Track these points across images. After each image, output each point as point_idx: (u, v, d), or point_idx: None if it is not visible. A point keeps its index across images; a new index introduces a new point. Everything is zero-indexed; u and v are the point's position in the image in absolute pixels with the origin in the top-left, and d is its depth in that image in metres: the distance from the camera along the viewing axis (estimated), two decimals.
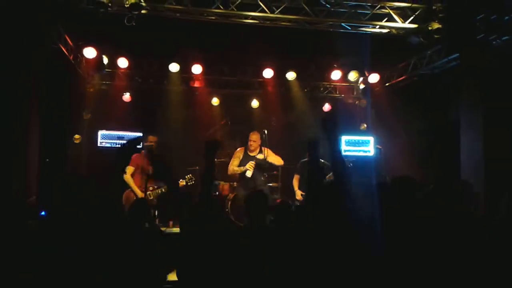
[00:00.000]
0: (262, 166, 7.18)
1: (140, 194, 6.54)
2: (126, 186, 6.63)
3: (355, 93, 10.11)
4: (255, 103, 9.91)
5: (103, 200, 3.53)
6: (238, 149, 7.46)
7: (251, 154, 7.24)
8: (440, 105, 8.24)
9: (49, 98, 7.05)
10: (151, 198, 6.58)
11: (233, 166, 7.27)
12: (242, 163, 7.19)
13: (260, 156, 7.12)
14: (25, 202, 4.93)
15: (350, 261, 3.34)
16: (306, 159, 7.57)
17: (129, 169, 6.64)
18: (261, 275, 3.32)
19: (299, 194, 7.30)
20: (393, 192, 3.62)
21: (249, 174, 7.06)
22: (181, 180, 6.97)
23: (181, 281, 3.39)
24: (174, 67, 8.85)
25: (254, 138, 7.18)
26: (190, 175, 7.05)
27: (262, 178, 7.27)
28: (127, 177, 6.58)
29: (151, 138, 6.84)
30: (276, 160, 7.30)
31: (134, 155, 6.71)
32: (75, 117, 8.49)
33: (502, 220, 3.47)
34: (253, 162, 7.05)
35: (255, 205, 3.80)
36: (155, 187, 6.75)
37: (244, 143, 7.47)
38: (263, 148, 7.23)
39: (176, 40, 8.05)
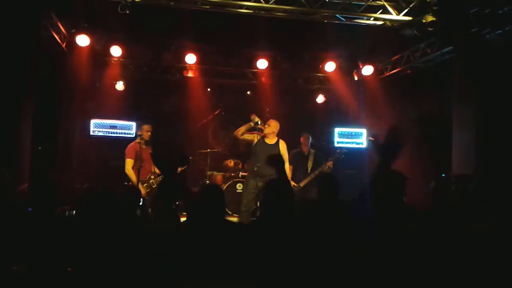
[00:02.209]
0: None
1: (143, 190, 6.38)
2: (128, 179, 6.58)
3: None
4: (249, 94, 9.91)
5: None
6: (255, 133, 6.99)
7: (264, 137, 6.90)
8: (433, 98, 8.27)
9: (42, 86, 7.00)
10: (154, 186, 6.54)
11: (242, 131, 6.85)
12: (256, 147, 6.82)
13: (255, 118, 6.74)
14: (16, 190, 4.92)
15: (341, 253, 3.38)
16: (298, 149, 7.63)
17: (129, 162, 6.57)
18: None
19: (292, 184, 7.34)
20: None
21: (255, 119, 6.72)
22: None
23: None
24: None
25: (273, 124, 6.90)
26: (254, 117, 6.76)
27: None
28: (128, 170, 6.52)
29: (146, 127, 6.76)
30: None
31: (129, 146, 6.68)
32: (67, 104, 8.43)
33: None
34: (256, 119, 6.72)
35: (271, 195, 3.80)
36: (157, 174, 6.58)
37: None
38: (280, 141, 6.95)
39: (170, 29, 8.01)
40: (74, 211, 5.34)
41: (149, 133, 6.72)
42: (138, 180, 6.43)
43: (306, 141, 7.61)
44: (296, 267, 3.31)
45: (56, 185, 7.33)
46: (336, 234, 3.46)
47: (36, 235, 3.47)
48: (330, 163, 7.26)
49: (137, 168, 6.46)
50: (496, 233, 3.20)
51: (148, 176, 6.55)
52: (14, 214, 3.66)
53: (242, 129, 6.84)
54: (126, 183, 6.58)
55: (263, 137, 6.89)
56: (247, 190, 6.79)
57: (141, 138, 6.64)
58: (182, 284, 3.30)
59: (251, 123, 6.76)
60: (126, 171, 6.55)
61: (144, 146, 6.64)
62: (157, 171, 6.54)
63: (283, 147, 6.93)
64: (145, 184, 6.49)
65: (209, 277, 3.15)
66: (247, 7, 6.47)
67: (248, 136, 6.89)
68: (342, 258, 3.35)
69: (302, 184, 7.25)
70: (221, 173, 8.76)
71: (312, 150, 7.60)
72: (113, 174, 7.42)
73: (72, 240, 3.34)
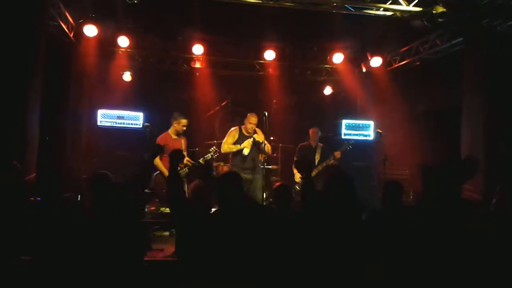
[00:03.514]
0: (259, 146, 7.00)
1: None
2: (155, 169, 6.62)
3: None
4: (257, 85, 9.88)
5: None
6: (233, 128, 7.26)
7: (247, 135, 7.08)
8: (442, 90, 8.21)
9: (49, 76, 6.99)
10: (183, 176, 6.55)
11: (228, 144, 7.06)
12: (238, 142, 7.04)
13: (258, 138, 6.95)
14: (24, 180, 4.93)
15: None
16: (305, 142, 7.61)
17: None
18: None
19: (298, 177, 7.31)
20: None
21: (246, 152, 6.93)
22: (204, 156, 6.84)
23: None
24: None
25: (253, 121, 7.02)
26: (214, 147, 6.91)
27: (260, 158, 7.17)
28: (156, 160, 6.54)
29: (184, 121, 6.79)
30: (267, 147, 7.08)
31: (160, 136, 6.73)
32: (74, 95, 8.44)
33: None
34: (251, 140, 6.92)
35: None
36: (182, 166, 6.62)
37: (240, 123, 7.40)
38: (257, 130, 7.10)
39: (178, 20, 7.98)
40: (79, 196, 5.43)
41: (185, 128, 6.80)
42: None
43: (315, 135, 7.59)
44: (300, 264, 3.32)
45: (63, 175, 7.39)
46: (339, 232, 3.46)
47: (43, 225, 3.48)
48: (337, 153, 7.24)
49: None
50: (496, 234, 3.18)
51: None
52: (22, 204, 3.68)
53: (231, 150, 7.04)
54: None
55: (241, 130, 7.11)
56: None
57: (175, 129, 6.73)
58: (182, 284, 3.31)
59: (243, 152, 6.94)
60: (154, 161, 6.55)
61: (175, 137, 6.78)
62: (185, 162, 6.66)
63: (260, 135, 7.07)
64: None
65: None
66: None
67: (233, 148, 7.05)
68: (343, 258, 3.35)
69: None
70: (228, 164, 8.75)
71: (320, 144, 7.58)
72: (120, 164, 7.45)
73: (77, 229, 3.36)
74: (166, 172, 6.48)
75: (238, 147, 6.97)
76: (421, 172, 3.52)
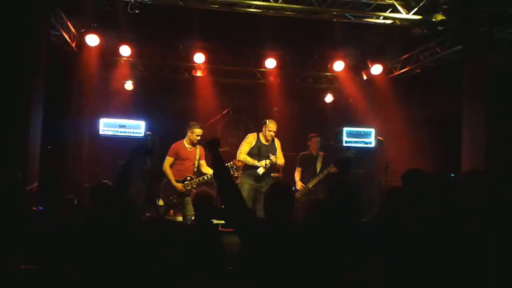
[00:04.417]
0: (272, 167, 6.86)
1: (178, 186, 6.47)
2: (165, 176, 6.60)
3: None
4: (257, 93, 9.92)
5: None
6: (250, 134, 7.03)
7: (265, 143, 6.86)
8: (442, 97, 8.22)
9: (52, 85, 7.03)
10: (189, 188, 6.52)
11: (244, 153, 6.81)
12: (253, 150, 6.81)
13: (274, 158, 6.70)
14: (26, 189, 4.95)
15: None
16: (306, 152, 7.61)
17: (167, 160, 6.57)
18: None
19: (299, 185, 7.33)
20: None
21: (260, 172, 6.67)
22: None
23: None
24: None
25: (273, 128, 6.78)
26: (232, 162, 6.74)
27: (274, 175, 7.10)
28: (165, 167, 6.54)
29: (198, 131, 6.61)
30: (280, 159, 6.97)
31: (174, 144, 6.66)
32: (77, 104, 8.49)
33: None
34: (268, 161, 6.65)
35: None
36: (194, 177, 6.60)
37: (244, 131, 7.31)
38: (275, 139, 6.94)
39: (179, 29, 8.03)
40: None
41: (199, 137, 6.62)
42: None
43: (316, 144, 7.57)
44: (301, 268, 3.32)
45: (65, 183, 7.41)
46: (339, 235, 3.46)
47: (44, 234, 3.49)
48: (334, 169, 7.12)
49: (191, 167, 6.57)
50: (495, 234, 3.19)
51: (184, 177, 6.55)
52: (24, 213, 3.68)
53: (247, 161, 6.80)
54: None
55: (259, 137, 6.89)
56: (244, 190, 6.61)
57: (189, 139, 6.63)
58: (182, 284, 3.31)
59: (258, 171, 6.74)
60: (163, 168, 6.55)
61: (189, 146, 6.66)
62: (195, 173, 6.61)
63: (278, 144, 6.97)
64: (179, 184, 6.53)
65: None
66: (256, 6, 6.47)
67: (250, 161, 6.79)
68: (343, 258, 3.35)
69: (310, 185, 7.24)
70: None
71: (321, 153, 7.58)
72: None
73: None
74: (173, 180, 6.50)
75: (255, 162, 6.71)
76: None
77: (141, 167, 6.92)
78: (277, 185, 3.82)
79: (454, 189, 3.55)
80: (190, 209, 6.34)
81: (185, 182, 6.51)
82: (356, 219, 3.66)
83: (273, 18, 6.80)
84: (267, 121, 6.81)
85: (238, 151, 6.90)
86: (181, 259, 3.50)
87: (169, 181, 6.55)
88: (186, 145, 6.66)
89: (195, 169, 6.66)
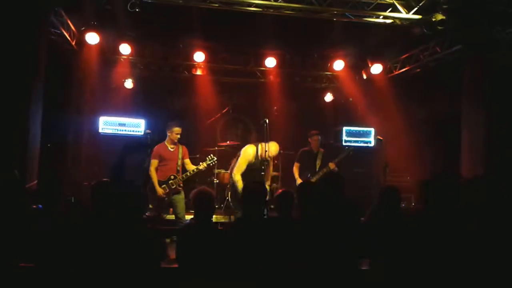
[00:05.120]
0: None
1: (159, 191, 6.41)
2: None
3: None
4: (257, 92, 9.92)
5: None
6: (250, 150, 6.82)
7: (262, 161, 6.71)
8: (442, 97, 8.23)
9: (51, 84, 7.03)
10: (174, 186, 6.51)
11: (239, 174, 6.70)
12: (251, 166, 6.79)
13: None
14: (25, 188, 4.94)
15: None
16: (307, 148, 7.61)
17: (152, 163, 6.52)
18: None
19: (300, 182, 7.33)
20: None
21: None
22: (201, 163, 6.71)
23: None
24: None
25: (274, 152, 6.75)
26: (211, 155, 6.81)
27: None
28: (151, 170, 6.49)
29: (177, 129, 6.58)
30: (270, 169, 7.01)
31: (155, 147, 6.63)
32: (76, 102, 8.48)
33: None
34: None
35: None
36: (178, 175, 6.57)
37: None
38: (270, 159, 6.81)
39: (179, 28, 8.03)
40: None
41: (178, 136, 6.62)
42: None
43: (316, 141, 7.56)
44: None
45: (64, 181, 7.40)
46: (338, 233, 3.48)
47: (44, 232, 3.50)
48: (333, 166, 7.16)
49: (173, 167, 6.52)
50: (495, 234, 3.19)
51: (167, 177, 6.53)
52: (23, 212, 3.68)
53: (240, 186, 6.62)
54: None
55: (257, 153, 6.75)
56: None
57: (170, 139, 6.61)
58: (182, 284, 3.32)
59: None
60: (150, 172, 6.50)
61: (171, 147, 6.63)
62: (179, 172, 6.58)
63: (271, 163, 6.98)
64: (163, 186, 6.50)
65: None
66: (256, 5, 6.47)
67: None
68: (343, 257, 3.36)
69: None
70: (228, 171, 8.75)
71: (321, 150, 7.57)
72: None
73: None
74: (156, 184, 6.42)
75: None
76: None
77: (140, 166, 6.90)
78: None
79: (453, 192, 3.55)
80: (181, 208, 6.45)
81: (169, 182, 6.48)
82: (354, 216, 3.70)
83: (273, 17, 6.80)
84: (270, 143, 6.69)
85: (236, 170, 6.77)
86: (181, 259, 3.51)
87: (153, 183, 6.52)
88: (168, 146, 6.64)
89: (178, 168, 6.61)
